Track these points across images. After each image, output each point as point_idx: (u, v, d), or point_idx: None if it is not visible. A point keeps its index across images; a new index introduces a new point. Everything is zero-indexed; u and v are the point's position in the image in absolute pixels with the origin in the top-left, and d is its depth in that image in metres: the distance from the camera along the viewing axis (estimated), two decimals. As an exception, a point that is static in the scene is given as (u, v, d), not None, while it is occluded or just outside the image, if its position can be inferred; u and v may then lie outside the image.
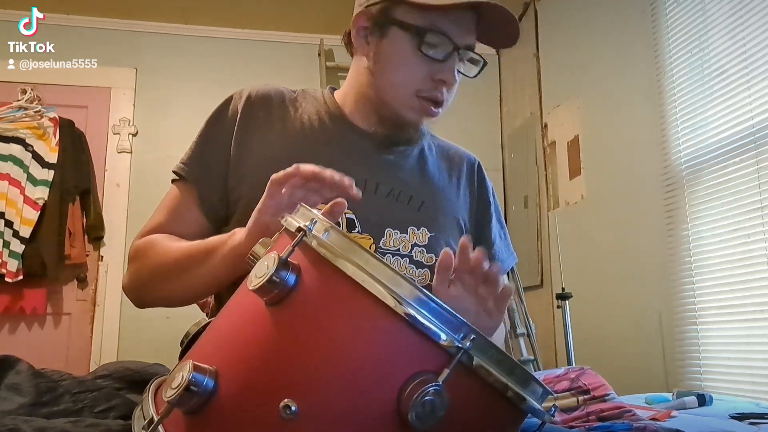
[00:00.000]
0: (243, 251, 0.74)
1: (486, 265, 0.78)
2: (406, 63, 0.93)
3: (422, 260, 0.97)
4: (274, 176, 0.77)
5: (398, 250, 0.96)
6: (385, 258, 0.94)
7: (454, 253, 0.96)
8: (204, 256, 0.86)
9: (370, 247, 0.94)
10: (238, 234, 0.82)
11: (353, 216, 0.94)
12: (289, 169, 0.76)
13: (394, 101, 0.96)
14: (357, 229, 0.94)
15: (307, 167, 0.76)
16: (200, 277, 0.87)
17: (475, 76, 0.99)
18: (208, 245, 0.86)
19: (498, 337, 1.01)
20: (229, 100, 1.03)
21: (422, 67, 0.93)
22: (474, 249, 0.78)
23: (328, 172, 0.76)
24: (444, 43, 0.92)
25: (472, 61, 0.98)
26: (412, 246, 0.97)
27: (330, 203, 0.77)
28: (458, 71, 0.95)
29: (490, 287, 0.80)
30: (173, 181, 1.01)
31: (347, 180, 0.77)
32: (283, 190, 0.77)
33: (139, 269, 0.95)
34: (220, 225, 0.99)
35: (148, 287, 0.95)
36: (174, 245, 0.92)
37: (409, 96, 0.95)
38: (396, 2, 0.93)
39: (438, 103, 0.95)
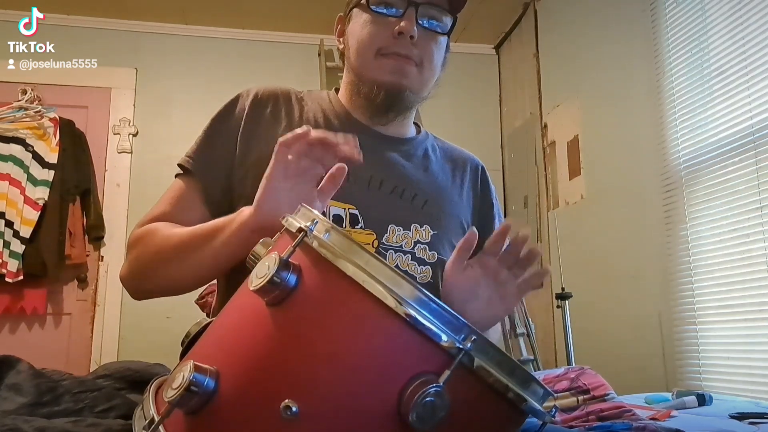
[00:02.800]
0: (253, 224, 0.76)
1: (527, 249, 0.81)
2: (364, 28, 0.98)
3: (425, 257, 0.98)
4: (281, 139, 0.77)
5: (401, 246, 0.96)
6: (388, 254, 0.95)
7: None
8: (210, 235, 0.84)
9: (372, 243, 0.94)
10: (246, 210, 0.81)
11: (356, 211, 0.94)
12: (298, 130, 0.76)
13: (364, 69, 0.99)
14: (360, 225, 0.94)
15: (315, 132, 0.77)
16: (205, 258, 0.85)
17: (448, 32, 1.00)
18: (215, 225, 0.85)
19: (494, 334, 1.02)
20: (236, 98, 1.03)
21: (379, 27, 0.96)
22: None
23: (333, 136, 0.77)
24: (397, 2, 0.95)
25: (438, 19, 0.99)
26: (415, 243, 0.97)
27: (330, 172, 0.78)
28: (424, 26, 0.97)
29: (518, 271, 0.83)
30: (177, 175, 1.01)
31: (352, 143, 0.78)
32: (289, 156, 0.77)
33: (140, 255, 0.93)
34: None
35: (148, 273, 0.93)
36: (177, 230, 0.91)
37: (373, 57, 0.97)
38: None
39: (404, 57, 0.96)
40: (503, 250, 0.83)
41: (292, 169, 0.77)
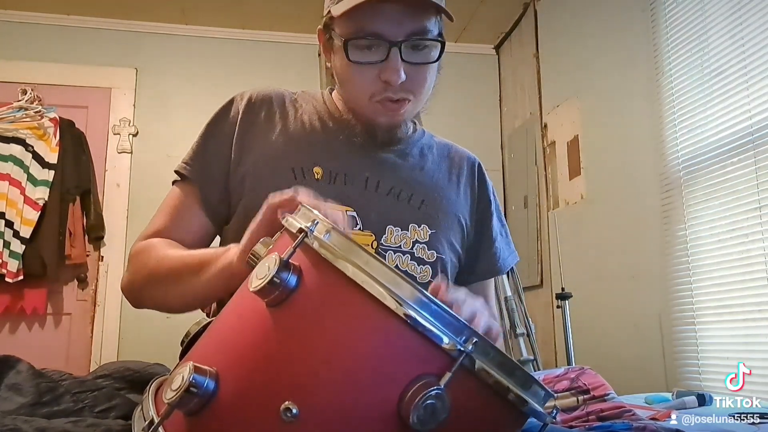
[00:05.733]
0: (235, 271, 0.74)
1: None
2: (349, 73, 0.93)
3: (424, 257, 0.98)
4: (271, 200, 0.73)
5: (399, 246, 0.96)
6: (387, 254, 0.95)
7: (455, 254, 0.95)
8: (197, 268, 0.85)
9: (371, 244, 0.94)
10: (231, 251, 0.79)
11: (355, 213, 0.94)
12: (286, 195, 0.72)
13: (358, 109, 0.97)
14: (358, 227, 0.94)
15: (305, 197, 0.72)
16: (193, 288, 0.86)
17: (437, 59, 0.93)
18: (203, 258, 0.85)
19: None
20: (230, 102, 1.03)
21: (365, 73, 0.91)
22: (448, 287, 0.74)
23: (323, 208, 0.71)
24: (378, 43, 0.88)
25: (429, 46, 0.91)
26: (414, 243, 0.98)
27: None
28: (412, 62, 0.90)
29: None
30: (174, 182, 1.02)
31: (341, 219, 0.72)
32: (279, 214, 0.75)
33: (136, 273, 0.96)
34: (222, 224, 1.00)
35: (143, 291, 0.96)
36: (170, 253, 0.91)
37: (366, 103, 0.94)
38: (332, 17, 0.92)
39: (397, 101, 0.93)
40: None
41: (278, 226, 0.74)
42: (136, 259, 0.96)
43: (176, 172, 1.01)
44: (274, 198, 0.73)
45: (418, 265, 0.97)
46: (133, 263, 0.97)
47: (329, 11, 0.92)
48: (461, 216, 1.07)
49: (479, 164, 1.15)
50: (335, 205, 0.76)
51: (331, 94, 1.08)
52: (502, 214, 1.17)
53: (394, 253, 0.96)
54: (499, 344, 0.62)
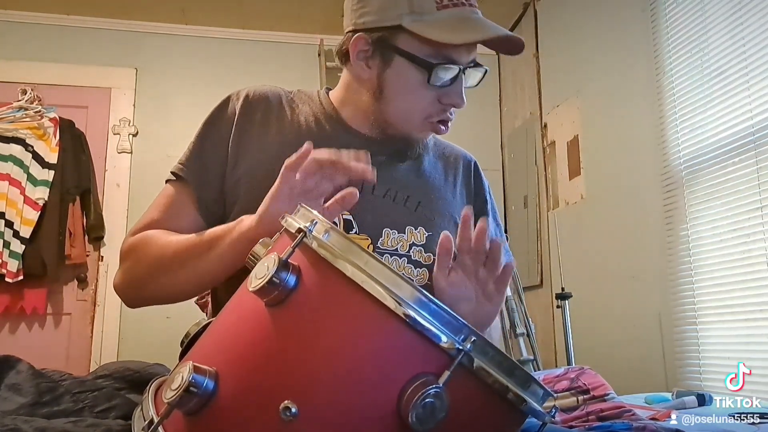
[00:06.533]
0: (253, 236, 0.75)
1: (487, 241, 0.80)
2: (414, 93, 0.94)
3: (420, 260, 0.97)
4: (288, 161, 0.78)
5: (396, 249, 0.96)
6: (383, 258, 0.95)
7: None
8: (208, 245, 0.85)
9: (367, 248, 0.94)
10: (247, 220, 0.82)
11: (350, 217, 0.94)
12: (301, 150, 0.77)
13: (403, 126, 0.97)
14: (354, 230, 0.94)
15: (323, 153, 0.77)
16: (204, 267, 0.86)
17: (477, 84, 1.00)
18: (213, 234, 0.86)
19: (495, 331, 1.03)
20: (226, 101, 1.02)
21: (430, 94, 0.94)
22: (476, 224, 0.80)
23: (345, 157, 0.77)
24: (451, 68, 0.93)
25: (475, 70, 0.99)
26: (410, 245, 0.97)
27: (340, 193, 0.77)
28: (467, 86, 0.97)
29: (491, 267, 0.82)
30: (168, 180, 1.00)
31: (363, 163, 0.78)
32: (297, 175, 0.77)
33: (135, 265, 0.94)
34: (215, 224, 0.99)
35: (145, 283, 0.93)
36: (173, 238, 0.91)
37: (419, 122, 0.96)
38: (397, 30, 0.91)
39: (446, 122, 0.97)
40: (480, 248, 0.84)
41: (298, 189, 0.77)
42: (132, 252, 0.94)
43: (172, 173, 0.99)
44: (291, 158, 0.77)
45: (415, 268, 0.97)
46: (129, 257, 0.94)
47: (399, 24, 0.91)
48: (457, 217, 1.06)
49: (475, 163, 1.14)
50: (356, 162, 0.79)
51: (327, 93, 1.07)
52: (498, 214, 1.16)
53: (391, 257, 0.95)
54: (499, 344, 0.63)
